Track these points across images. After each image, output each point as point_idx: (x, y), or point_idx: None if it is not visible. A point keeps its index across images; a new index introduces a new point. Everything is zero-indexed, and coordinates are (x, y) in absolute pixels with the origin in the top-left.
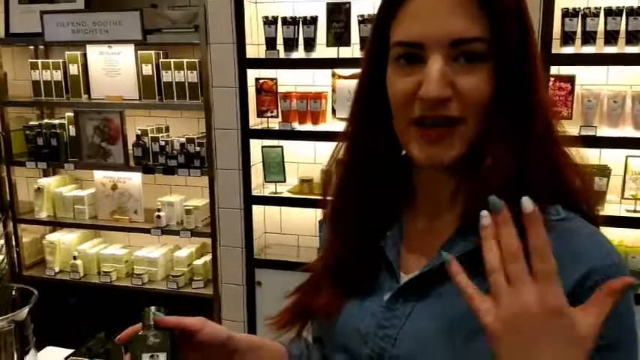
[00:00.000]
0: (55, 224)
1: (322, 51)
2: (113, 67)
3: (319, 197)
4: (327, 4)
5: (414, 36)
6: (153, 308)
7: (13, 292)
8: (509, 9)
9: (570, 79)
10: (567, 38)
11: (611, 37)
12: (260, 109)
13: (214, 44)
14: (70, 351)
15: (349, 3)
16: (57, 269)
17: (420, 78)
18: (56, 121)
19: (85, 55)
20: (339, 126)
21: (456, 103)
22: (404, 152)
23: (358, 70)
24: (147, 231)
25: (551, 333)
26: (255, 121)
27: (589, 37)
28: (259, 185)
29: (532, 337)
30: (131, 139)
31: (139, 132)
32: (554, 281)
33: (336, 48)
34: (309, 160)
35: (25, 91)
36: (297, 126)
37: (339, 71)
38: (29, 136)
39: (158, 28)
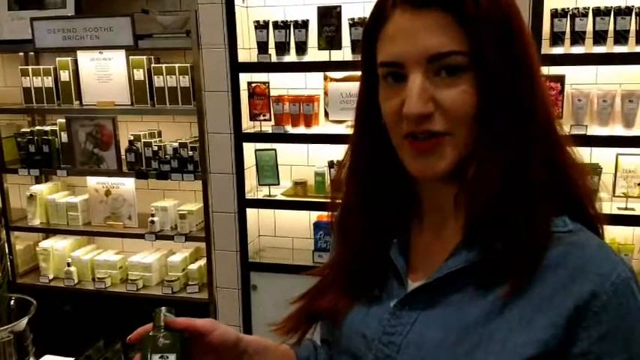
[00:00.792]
0: (49, 231)
1: (314, 54)
2: (104, 73)
3: (313, 200)
4: (318, 7)
5: (393, 56)
6: (163, 309)
7: (11, 302)
8: (487, 18)
9: (560, 79)
10: (556, 38)
11: (599, 37)
12: (252, 112)
13: (206, 49)
14: (70, 359)
15: (340, 7)
16: (51, 276)
17: (403, 96)
18: (48, 128)
19: (75, 61)
20: (332, 128)
21: (439, 118)
22: None
23: (350, 73)
24: (141, 236)
25: None
26: (247, 125)
27: (578, 37)
28: (253, 188)
29: None
30: (124, 145)
31: (132, 137)
32: None
33: (328, 51)
34: (302, 162)
35: (15, 98)
36: (290, 129)
37: (331, 74)
38: (21, 143)
39: (149, 34)
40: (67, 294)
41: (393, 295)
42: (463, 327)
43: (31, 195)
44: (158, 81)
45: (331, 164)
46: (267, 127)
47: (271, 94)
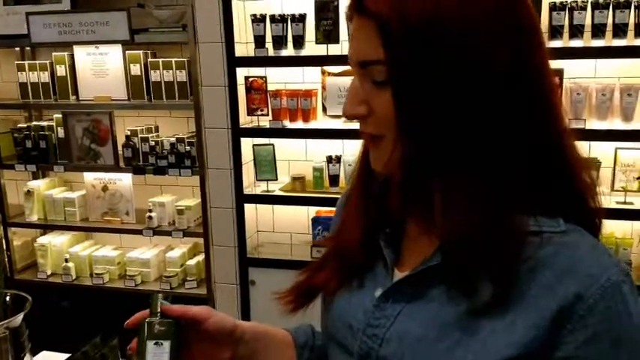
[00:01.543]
0: (46, 227)
1: (311, 48)
2: (101, 68)
3: (312, 195)
4: (316, 1)
5: (348, 56)
6: (160, 296)
7: (7, 299)
8: (408, 30)
9: (559, 73)
10: (555, 32)
11: (598, 30)
12: (250, 107)
13: (203, 43)
14: (66, 356)
15: (337, 0)
16: (49, 272)
17: None
18: (44, 123)
19: (72, 56)
20: (330, 123)
21: (371, 121)
22: None
23: (348, 68)
24: (139, 232)
25: None
26: (245, 120)
27: (576, 31)
28: (251, 184)
29: None
30: (120, 140)
31: (129, 132)
32: None
33: (326, 45)
34: (300, 157)
35: (12, 94)
36: (287, 124)
37: (329, 68)
38: (17, 138)
39: (146, 28)
40: (65, 290)
41: (379, 283)
42: (445, 323)
43: (28, 191)
44: (155, 76)
45: (329, 159)
46: (265, 122)
47: (269, 88)
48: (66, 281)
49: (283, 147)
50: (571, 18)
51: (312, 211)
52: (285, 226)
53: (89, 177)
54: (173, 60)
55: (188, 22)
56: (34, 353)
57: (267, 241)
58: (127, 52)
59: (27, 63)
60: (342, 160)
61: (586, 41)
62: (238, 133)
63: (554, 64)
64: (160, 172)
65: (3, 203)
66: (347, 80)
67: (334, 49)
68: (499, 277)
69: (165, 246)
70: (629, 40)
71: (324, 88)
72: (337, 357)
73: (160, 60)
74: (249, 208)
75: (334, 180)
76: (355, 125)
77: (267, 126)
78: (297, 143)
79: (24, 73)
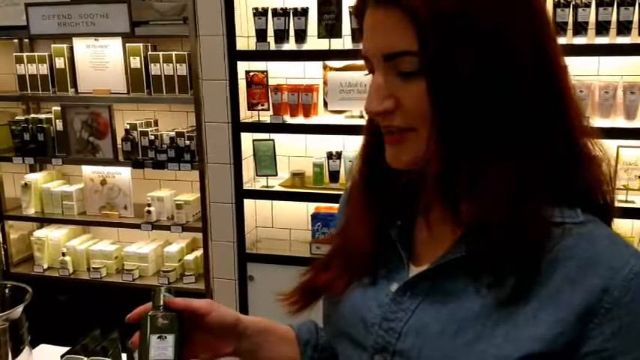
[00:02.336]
0: (43, 220)
1: (313, 43)
2: (100, 61)
3: (311, 191)
4: None
5: (364, 51)
6: (162, 289)
7: (6, 290)
8: (441, 17)
9: None
10: (559, 29)
11: (602, 28)
12: (250, 102)
13: (204, 36)
14: (65, 349)
15: None
16: (45, 266)
17: None
18: (43, 116)
19: (71, 49)
20: (331, 119)
21: (399, 114)
22: None
23: (350, 62)
24: (137, 226)
25: None
26: (245, 115)
27: (580, 28)
28: (250, 179)
29: None
30: (119, 134)
31: (128, 126)
32: None
33: (328, 40)
34: (300, 153)
35: (10, 86)
36: (288, 119)
37: (331, 63)
38: (15, 131)
39: (146, 21)
40: (62, 284)
41: (394, 278)
42: (465, 318)
43: (25, 184)
44: (155, 69)
45: (330, 155)
46: (266, 117)
47: (270, 83)
48: (63, 275)
49: (283, 142)
50: (575, 15)
51: (312, 207)
52: (284, 222)
53: (87, 170)
54: (173, 53)
55: (189, 15)
56: (32, 347)
57: (265, 237)
58: (126, 44)
59: (25, 55)
60: (342, 156)
61: (590, 39)
62: (239, 127)
63: None
64: (159, 167)
65: (0, 196)
66: (349, 75)
67: (336, 44)
68: (523, 267)
69: (163, 241)
70: (634, 38)
71: (325, 83)
72: (348, 352)
73: (160, 53)
74: (248, 204)
75: (334, 176)
76: (356, 121)
77: (268, 121)
78: (297, 139)
79: (22, 65)
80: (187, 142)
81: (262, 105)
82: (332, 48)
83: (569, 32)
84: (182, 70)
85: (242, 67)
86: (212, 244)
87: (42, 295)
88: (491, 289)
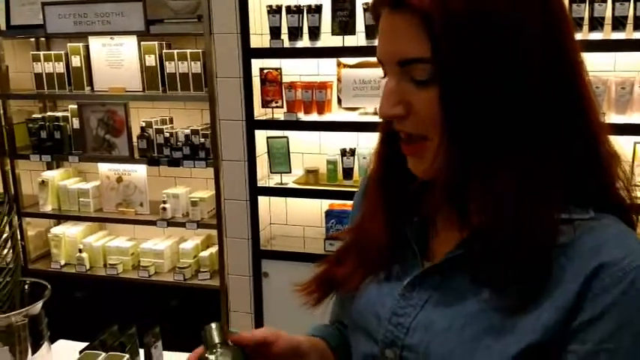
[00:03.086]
0: (60, 217)
1: (327, 40)
2: (116, 59)
3: (325, 188)
4: None
5: (378, 54)
6: (213, 325)
7: (25, 287)
8: (455, 24)
9: None
10: (574, 25)
11: (618, 23)
12: (264, 99)
13: (218, 34)
14: (83, 344)
15: None
16: (62, 262)
17: None
18: (59, 114)
19: (87, 47)
20: (345, 116)
21: (412, 120)
22: None
23: (364, 59)
24: (152, 223)
25: None
26: (259, 112)
27: (597, 23)
28: (264, 176)
29: None
30: (135, 132)
31: (143, 124)
32: None
33: (342, 36)
34: (314, 150)
35: (27, 84)
36: (302, 116)
37: (345, 60)
38: (32, 129)
39: (161, 19)
40: (78, 280)
41: (407, 275)
42: (471, 313)
43: (42, 181)
44: (170, 67)
45: (343, 152)
46: (279, 115)
47: (283, 80)
48: (80, 271)
49: (297, 140)
50: (591, 10)
51: (325, 204)
52: (298, 220)
53: (104, 168)
54: (188, 51)
55: (203, 13)
56: (50, 342)
57: (279, 234)
58: (141, 43)
59: (42, 53)
60: (356, 153)
61: (606, 34)
62: (253, 125)
63: None
64: (175, 164)
65: (17, 193)
66: (362, 72)
67: (350, 41)
68: (530, 264)
69: (178, 237)
70: None
71: (339, 80)
72: (362, 344)
73: (175, 51)
74: (262, 201)
75: (348, 173)
76: (370, 118)
77: (282, 118)
78: (311, 136)
79: (39, 63)
80: (202, 139)
81: (276, 102)
82: (346, 45)
83: (585, 28)
84: (196, 67)
85: (256, 64)
86: (227, 241)
87: (59, 292)
88: (495, 287)
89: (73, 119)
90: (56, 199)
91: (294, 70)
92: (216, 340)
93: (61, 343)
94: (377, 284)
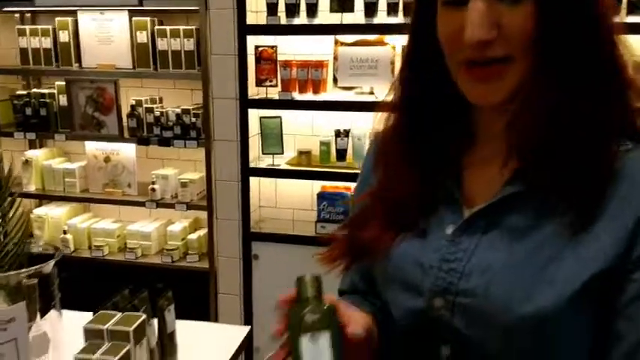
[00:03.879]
0: (44, 197)
1: (325, 17)
2: (106, 35)
3: (318, 169)
4: None
5: None
6: (307, 278)
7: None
8: None
9: None
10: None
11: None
12: (259, 78)
13: (214, 10)
14: (88, 314)
15: None
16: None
17: (463, 22)
18: (45, 91)
19: (76, 22)
20: (341, 95)
21: (500, 43)
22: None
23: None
24: (141, 204)
25: None
26: (253, 92)
27: (634, 7)
28: (255, 158)
29: None
30: (125, 110)
31: (133, 102)
32: None
33: (340, 14)
34: (307, 132)
35: (11, 60)
36: (296, 95)
37: (342, 38)
38: (17, 106)
39: None
40: (63, 262)
41: (447, 222)
42: (530, 248)
43: (26, 160)
44: (162, 44)
45: (337, 133)
46: (274, 94)
47: (279, 58)
48: (64, 253)
49: (290, 120)
50: None
51: (316, 186)
52: (287, 203)
53: (91, 147)
54: (181, 28)
55: None
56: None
57: (268, 217)
58: (133, 18)
59: (28, 28)
60: (350, 134)
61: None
62: (246, 104)
63: None
64: (165, 144)
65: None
66: (360, 50)
67: (348, 18)
68: (585, 192)
69: (165, 220)
70: None
71: (335, 58)
72: (402, 299)
73: (168, 28)
74: (252, 183)
75: (341, 154)
76: (366, 97)
77: (276, 97)
78: (304, 117)
79: (25, 38)
80: (193, 119)
81: (270, 81)
82: (344, 22)
83: (623, 11)
84: (190, 45)
85: (251, 42)
86: (217, 223)
87: None
88: (552, 220)
89: (60, 96)
90: (40, 179)
91: (289, 49)
92: (309, 293)
93: (67, 313)
94: (412, 239)
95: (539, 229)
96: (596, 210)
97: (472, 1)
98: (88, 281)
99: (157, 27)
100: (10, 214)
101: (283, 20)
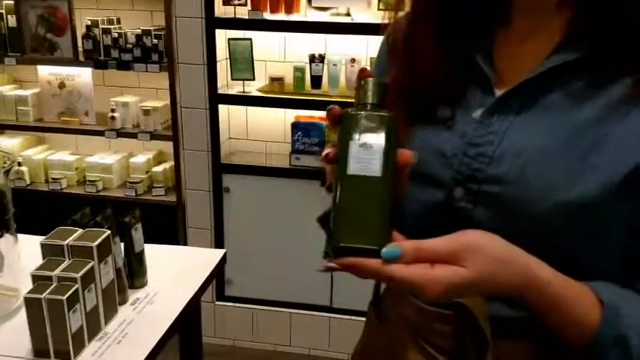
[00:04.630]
0: None
1: None
2: None
3: (291, 97)
4: None
5: None
6: (370, 81)
7: None
8: None
9: None
10: None
11: None
12: None
13: None
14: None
15: None
16: None
17: None
18: None
19: None
20: (315, 16)
21: None
22: None
23: None
24: (100, 133)
25: None
26: (220, 11)
27: None
28: (224, 85)
29: None
30: (80, 32)
31: (89, 22)
32: None
33: None
34: (279, 58)
35: None
36: (267, 15)
37: None
38: None
39: None
40: (18, 195)
41: (475, 105)
42: (572, 129)
43: None
44: None
45: (312, 58)
46: (243, 14)
47: None
48: (19, 186)
49: (261, 45)
50: None
51: (289, 117)
52: (259, 134)
53: (44, 72)
54: None
55: None
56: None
57: (240, 150)
58: None
59: None
60: (325, 59)
61: None
62: (213, 23)
63: None
64: (124, 67)
65: None
66: None
67: None
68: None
69: (126, 152)
70: None
71: None
72: (418, 192)
73: None
74: (221, 113)
75: (316, 81)
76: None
77: (246, 17)
78: (275, 40)
79: None
80: (155, 40)
81: None
82: None
83: None
84: None
85: None
86: (184, 153)
87: None
88: (599, 97)
89: (9, 16)
90: None
91: None
92: (369, 99)
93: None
94: (430, 126)
95: (584, 109)
96: None
97: None
98: (46, 214)
99: None
100: None
101: None
